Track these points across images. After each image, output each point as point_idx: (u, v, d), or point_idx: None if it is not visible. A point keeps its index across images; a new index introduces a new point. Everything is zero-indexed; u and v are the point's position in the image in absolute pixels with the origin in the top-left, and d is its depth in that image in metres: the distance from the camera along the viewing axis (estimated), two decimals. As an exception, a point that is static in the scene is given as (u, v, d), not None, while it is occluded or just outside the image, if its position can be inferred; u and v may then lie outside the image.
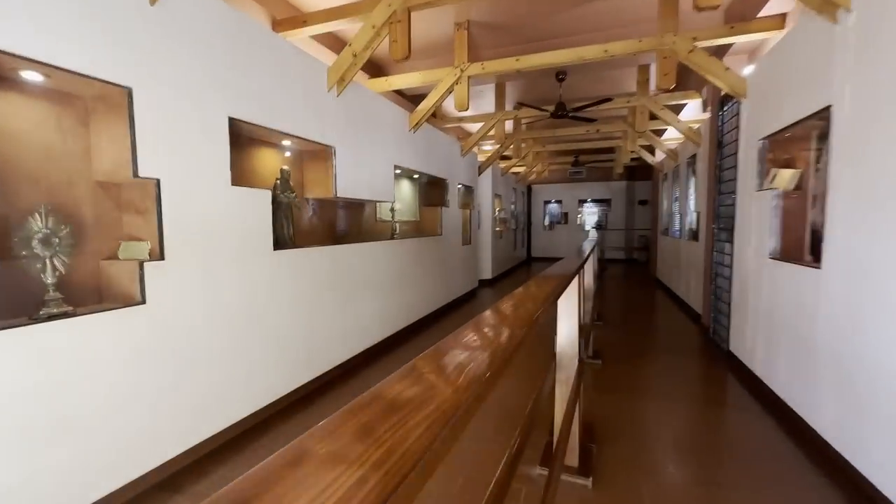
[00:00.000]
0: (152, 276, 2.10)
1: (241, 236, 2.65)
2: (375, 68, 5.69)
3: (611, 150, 11.27)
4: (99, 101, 2.11)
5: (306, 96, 3.23)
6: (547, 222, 14.22)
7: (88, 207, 2.15)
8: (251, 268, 2.73)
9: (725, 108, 4.32)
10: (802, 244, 3.02)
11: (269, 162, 3.43)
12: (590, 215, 13.79)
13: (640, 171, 12.93)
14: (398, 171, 5.16)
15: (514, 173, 11.58)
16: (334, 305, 3.58)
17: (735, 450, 2.48)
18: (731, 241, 4.00)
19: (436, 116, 7.46)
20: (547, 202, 14.16)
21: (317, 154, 3.65)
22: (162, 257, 2.14)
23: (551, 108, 5.40)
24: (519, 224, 12.54)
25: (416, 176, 5.79)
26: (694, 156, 5.88)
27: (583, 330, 2.44)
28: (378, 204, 4.99)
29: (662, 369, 3.77)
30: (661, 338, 4.84)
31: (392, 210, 5.03)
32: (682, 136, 6.54)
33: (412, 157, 5.07)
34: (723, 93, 4.29)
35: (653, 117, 6.41)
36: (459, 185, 7.07)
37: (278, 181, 3.31)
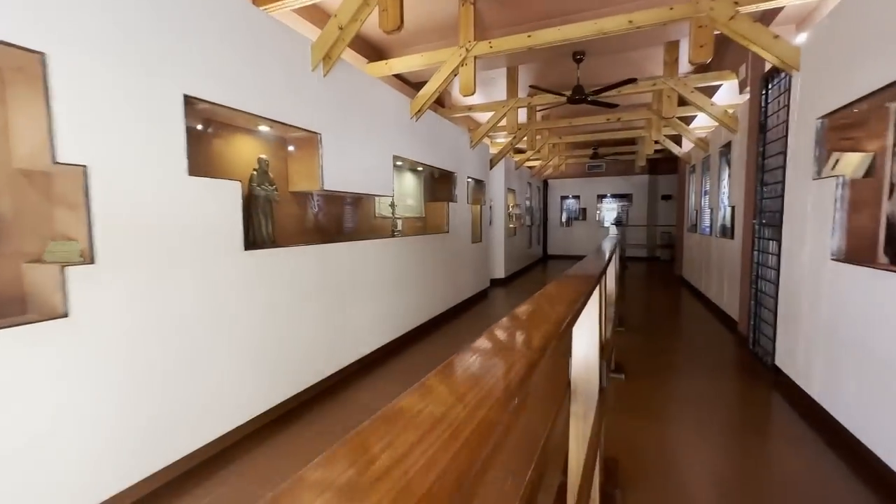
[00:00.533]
0: (79, 283, 1.74)
1: (202, 234, 2.29)
2: (375, 53, 5.30)
3: (632, 141, 10.64)
4: (18, 72, 1.76)
5: (286, 75, 2.85)
6: (564, 219, 13.64)
7: (7, 200, 1.81)
8: (216, 271, 2.37)
9: (771, 86, 3.76)
10: (876, 243, 2.49)
11: (245, 150, 3.07)
12: (609, 211, 13.15)
13: (663, 164, 12.23)
14: (399, 163, 4.76)
15: (529, 167, 11.07)
16: (321, 311, 3.21)
17: (793, 496, 2.00)
18: (777, 238, 3.46)
19: (444, 106, 7.04)
20: (564, 197, 13.57)
21: (301, 142, 3.27)
22: (92, 260, 1.79)
23: (568, 92, 4.90)
24: (534, 220, 12.02)
25: (419, 168, 5.38)
26: (728, 144, 5.30)
27: (605, 349, 2.00)
28: (377, 199, 4.60)
29: (696, 386, 3.28)
30: (691, 347, 4.32)
31: (392, 205, 4.63)
32: (714, 122, 5.95)
33: (414, 147, 4.66)
34: (767, 68, 3.73)
35: (681, 103, 5.84)
36: (469, 179, 6.63)
37: (255, 172, 2.94)
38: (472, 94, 4.21)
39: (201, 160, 2.67)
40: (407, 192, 5.34)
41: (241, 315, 2.52)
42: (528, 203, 11.00)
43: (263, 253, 2.70)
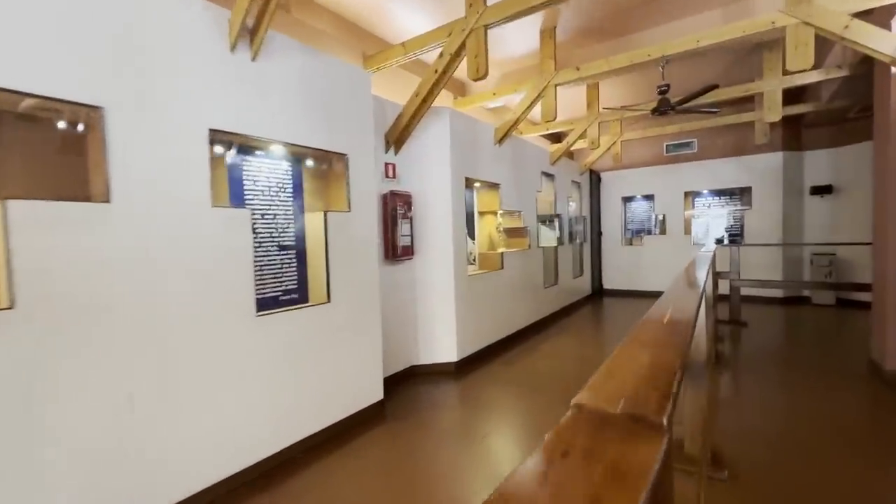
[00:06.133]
0: None
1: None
2: None
3: (748, 77, 5.47)
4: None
5: None
6: (629, 233, 8.60)
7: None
8: None
9: None
10: None
11: None
12: (715, 219, 7.79)
13: (817, 127, 6.74)
14: None
15: (545, 144, 6.48)
16: None
17: None
18: None
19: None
20: (628, 199, 8.53)
21: None
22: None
23: None
24: (573, 237, 7.32)
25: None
26: None
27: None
28: None
29: None
30: None
31: None
32: None
33: None
34: None
35: None
36: (279, 146, 2.52)
37: None
38: None
39: None
40: None
41: None
42: (549, 209, 6.40)
43: None
